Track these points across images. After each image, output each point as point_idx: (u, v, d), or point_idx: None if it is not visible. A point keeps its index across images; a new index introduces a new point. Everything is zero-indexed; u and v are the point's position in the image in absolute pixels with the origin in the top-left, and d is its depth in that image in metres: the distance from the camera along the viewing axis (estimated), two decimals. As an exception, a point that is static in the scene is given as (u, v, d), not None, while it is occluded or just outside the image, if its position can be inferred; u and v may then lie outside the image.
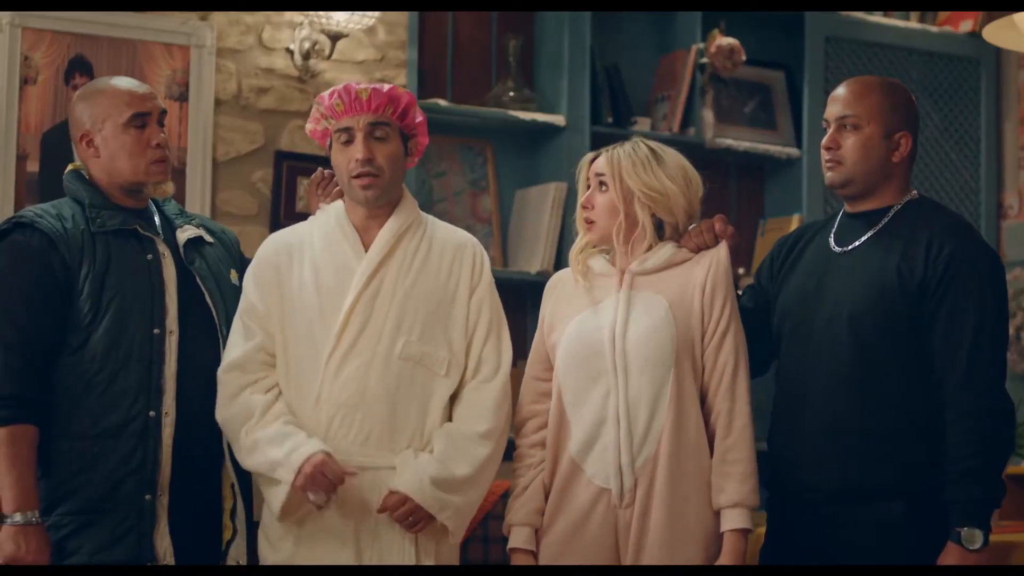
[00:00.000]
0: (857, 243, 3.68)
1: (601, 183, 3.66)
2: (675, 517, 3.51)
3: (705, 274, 3.60)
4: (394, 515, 3.56)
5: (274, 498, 3.57)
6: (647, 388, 3.54)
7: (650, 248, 3.65)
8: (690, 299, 3.59)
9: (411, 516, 3.56)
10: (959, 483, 3.47)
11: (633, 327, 3.57)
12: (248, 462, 3.61)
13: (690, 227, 3.67)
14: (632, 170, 3.62)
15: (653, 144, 3.68)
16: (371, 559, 3.57)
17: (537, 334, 3.76)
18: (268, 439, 3.56)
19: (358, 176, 3.64)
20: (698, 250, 3.66)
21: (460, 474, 3.59)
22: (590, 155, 3.73)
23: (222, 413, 3.64)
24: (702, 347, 3.58)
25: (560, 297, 3.74)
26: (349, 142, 3.66)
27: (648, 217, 3.63)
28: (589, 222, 3.68)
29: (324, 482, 3.51)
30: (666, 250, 3.64)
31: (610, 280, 3.67)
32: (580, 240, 3.74)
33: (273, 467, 3.55)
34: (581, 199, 3.71)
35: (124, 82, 3.81)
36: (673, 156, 3.66)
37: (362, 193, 3.66)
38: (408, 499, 3.55)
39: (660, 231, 3.66)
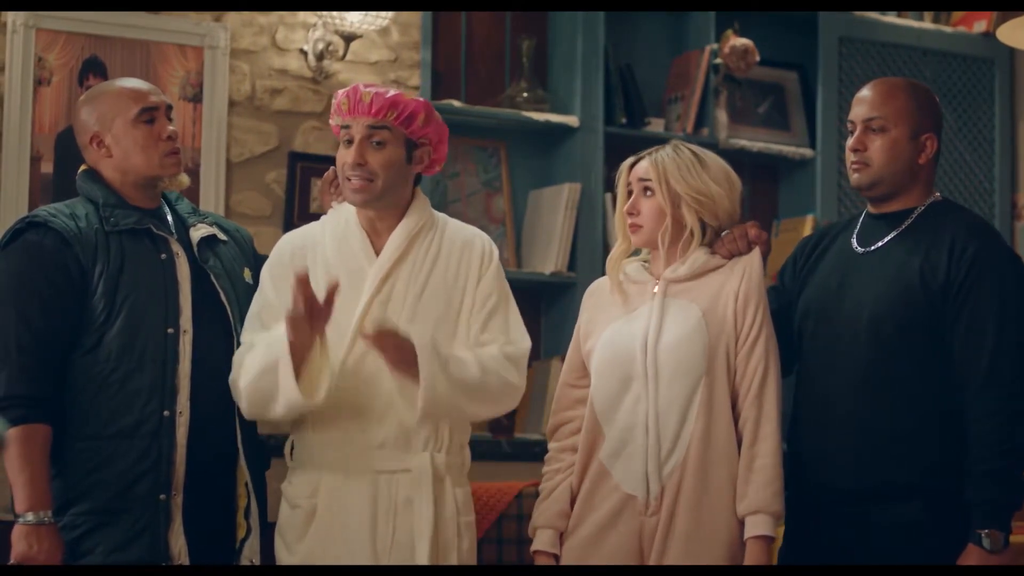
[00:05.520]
0: (880, 243, 3.68)
1: (646, 188, 3.62)
2: (700, 526, 3.50)
3: (739, 282, 3.59)
4: (381, 339, 3.49)
5: (286, 382, 3.50)
6: (677, 396, 3.53)
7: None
8: (723, 307, 3.58)
9: (397, 348, 3.49)
10: (980, 484, 3.47)
11: (665, 335, 3.56)
12: (249, 377, 3.56)
13: (722, 233, 3.66)
14: (678, 174, 3.60)
15: (694, 147, 3.66)
16: (388, 560, 3.56)
17: (573, 341, 3.75)
18: (256, 351, 3.57)
19: (350, 179, 3.64)
20: (731, 256, 3.64)
21: (468, 374, 3.56)
22: (630, 160, 3.69)
23: (231, 376, 3.64)
24: (735, 355, 3.57)
25: (597, 305, 3.73)
26: (349, 142, 3.66)
27: (696, 221, 3.61)
28: (635, 227, 3.64)
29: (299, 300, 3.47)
30: (699, 256, 3.63)
31: (645, 287, 3.66)
32: (619, 246, 3.71)
33: (269, 351, 3.53)
34: (623, 205, 3.67)
35: (127, 81, 3.84)
36: (715, 159, 3.65)
37: (352, 196, 3.66)
38: (406, 339, 3.49)
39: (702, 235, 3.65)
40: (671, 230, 3.62)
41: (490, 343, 3.67)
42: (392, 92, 3.67)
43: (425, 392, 3.50)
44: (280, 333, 3.53)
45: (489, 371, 3.61)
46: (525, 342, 3.72)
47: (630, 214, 3.64)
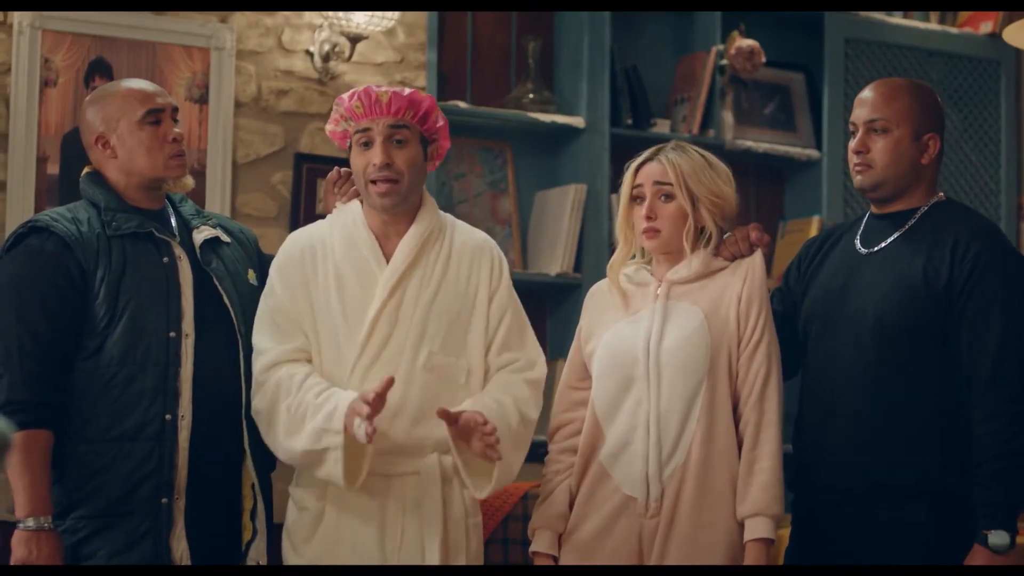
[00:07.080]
0: (883, 244, 3.68)
1: (663, 193, 3.60)
2: (700, 529, 3.51)
3: (741, 284, 3.59)
4: (480, 431, 3.48)
5: (332, 469, 3.48)
6: (679, 398, 3.53)
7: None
8: (726, 310, 3.58)
9: (493, 435, 3.48)
10: (985, 485, 3.47)
11: (668, 337, 3.56)
12: (294, 444, 3.53)
13: (725, 236, 3.65)
14: (695, 176, 3.59)
15: (696, 148, 3.66)
16: (397, 562, 3.56)
17: (574, 343, 3.76)
18: (308, 413, 3.52)
19: (376, 182, 3.62)
20: (733, 259, 3.64)
21: (513, 423, 3.59)
22: (634, 164, 3.67)
23: (257, 405, 3.62)
24: (737, 357, 3.57)
25: (598, 307, 3.73)
26: (368, 145, 3.64)
27: (712, 222, 3.61)
28: (652, 232, 3.61)
29: (362, 409, 3.42)
30: (701, 259, 3.62)
31: (647, 290, 3.66)
32: (620, 251, 3.69)
33: (318, 437, 3.49)
34: (625, 209, 3.64)
35: (134, 82, 3.83)
36: (717, 160, 3.65)
37: (380, 200, 3.64)
38: (488, 422, 3.49)
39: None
40: (692, 233, 3.60)
41: (512, 363, 3.68)
42: (406, 90, 3.67)
43: (500, 472, 3.55)
44: (332, 409, 3.49)
45: (523, 418, 3.65)
46: (543, 366, 3.73)
47: (648, 219, 3.61)
